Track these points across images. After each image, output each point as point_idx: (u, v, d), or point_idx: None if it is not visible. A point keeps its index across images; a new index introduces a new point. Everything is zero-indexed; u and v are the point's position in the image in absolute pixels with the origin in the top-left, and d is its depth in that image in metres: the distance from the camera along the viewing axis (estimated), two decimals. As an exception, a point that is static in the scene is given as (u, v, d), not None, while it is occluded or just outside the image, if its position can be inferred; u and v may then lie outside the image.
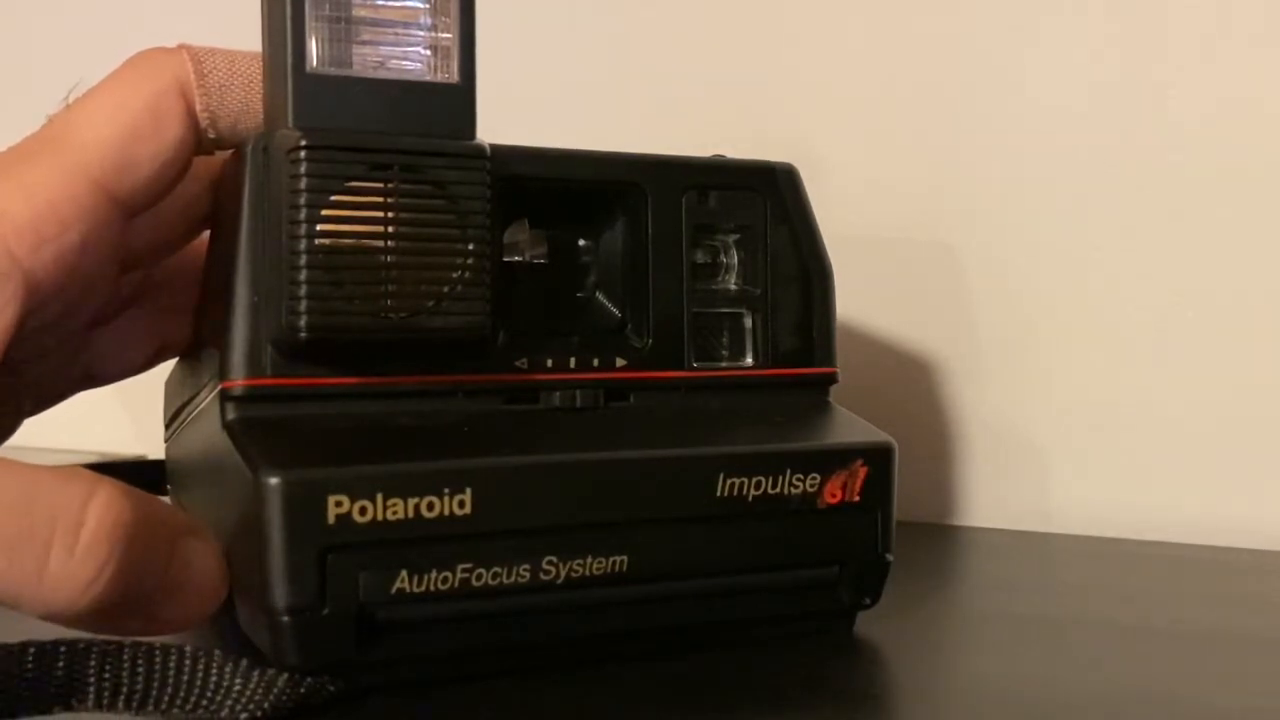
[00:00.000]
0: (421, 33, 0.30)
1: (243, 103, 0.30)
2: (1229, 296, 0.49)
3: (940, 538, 0.50)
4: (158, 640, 0.27)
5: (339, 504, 0.27)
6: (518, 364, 0.32)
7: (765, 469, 0.31)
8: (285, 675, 0.27)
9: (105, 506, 0.25)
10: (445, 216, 0.29)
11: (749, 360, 0.35)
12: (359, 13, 0.29)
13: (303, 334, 0.28)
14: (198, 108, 0.30)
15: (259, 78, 0.30)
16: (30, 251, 0.28)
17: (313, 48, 0.29)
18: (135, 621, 0.27)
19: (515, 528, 0.29)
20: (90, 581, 0.25)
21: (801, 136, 0.54)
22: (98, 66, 0.31)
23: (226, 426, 0.29)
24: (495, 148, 0.30)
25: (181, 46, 0.30)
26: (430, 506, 0.28)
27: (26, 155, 0.29)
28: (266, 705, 0.27)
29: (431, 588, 0.28)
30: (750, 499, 0.31)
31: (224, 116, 0.30)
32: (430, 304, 0.29)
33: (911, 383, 0.54)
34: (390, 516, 0.27)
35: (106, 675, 0.26)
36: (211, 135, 0.31)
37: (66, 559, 0.25)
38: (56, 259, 0.28)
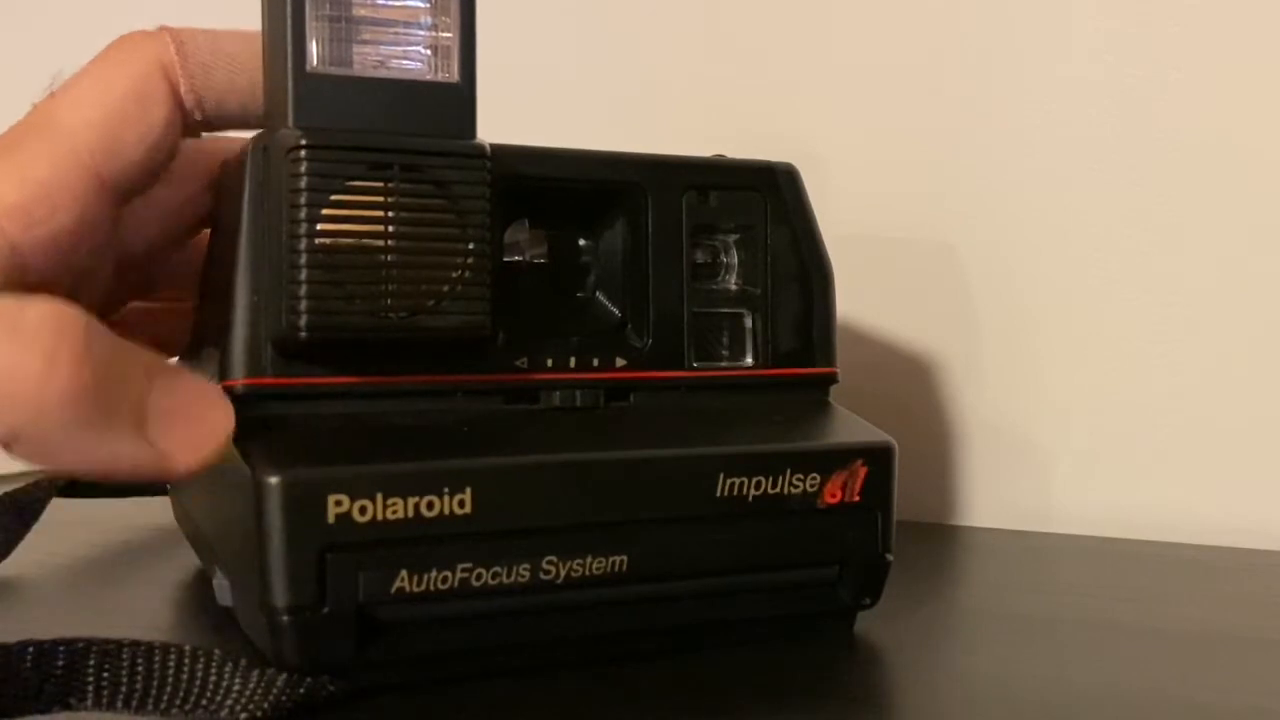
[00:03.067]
0: (421, 32, 0.30)
1: (228, 81, 0.30)
2: (1229, 297, 0.49)
3: (940, 538, 0.50)
4: (157, 640, 0.27)
5: (339, 504, 0.27)
6: (518, 364, 0.32)
7: (765, 469, 0.31)
8: (285, 675, 0.27)
9: (47, 303, 0.25)
10: (445, 216, 0.29)
11: (749, 360, 0.35)
12: (359, 12, 0.29)
13: (303, 334, 0.28)
14: (182, 88, 0.30)
15: (242, 55, 0.30)
16: (22, 230, 0.28)
17: (313, 47, 0.29)
18: (125, 439, 0.26)
19: (515, 528, 0.29)
20: (43, 372, 0.24)
21: (801, 136, 0.54)
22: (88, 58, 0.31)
23: (226, 426, 0.29)
24: (495, 148, 0.30)
25: (162, 28, 0.30)
26: (430, 506, 0.28)
27: (15, 142, 0.29)
28: (266, 705, 0.27)
29: (431, 587, 0.28)
30: (750, 499, 0.31)
31: (209, 96, 0.30)
32: (430, 304, 0.29)
33: (911, 383, 0.54)
34: (390, 516, 0.27)
35: (105, 675, 0.26)
36: (198, 116, 0.31)
37: (9, 347, 0.24)
38: (48, 241, 0.28)
